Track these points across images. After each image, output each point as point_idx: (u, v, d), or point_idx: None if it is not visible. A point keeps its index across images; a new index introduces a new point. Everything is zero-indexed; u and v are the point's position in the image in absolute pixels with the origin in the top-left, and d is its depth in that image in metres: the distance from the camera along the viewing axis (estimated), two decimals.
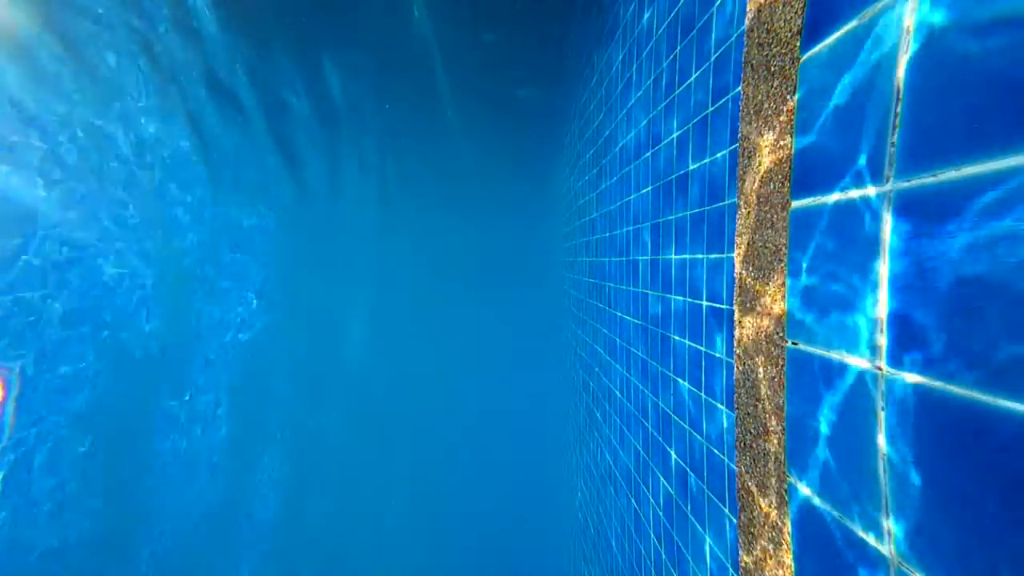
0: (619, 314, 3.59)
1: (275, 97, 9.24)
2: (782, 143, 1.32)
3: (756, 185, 1.46)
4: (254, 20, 7.37)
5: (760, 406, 1.43)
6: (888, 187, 0.93)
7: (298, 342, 13.14)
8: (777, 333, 1.33)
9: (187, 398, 8.73)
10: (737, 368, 1.60)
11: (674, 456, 2.37)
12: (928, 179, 0.84)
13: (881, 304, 0.95)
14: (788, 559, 1.26)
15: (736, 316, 1.60)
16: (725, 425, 1.76)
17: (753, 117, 1.49)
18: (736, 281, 1.60)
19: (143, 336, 7.49)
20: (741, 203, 1.57)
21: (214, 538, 9.52)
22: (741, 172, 1.57)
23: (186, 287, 8.66)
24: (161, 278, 7.86)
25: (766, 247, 1.40)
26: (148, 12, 6.27)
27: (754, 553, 1.46)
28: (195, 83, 7.74)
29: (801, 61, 1.23)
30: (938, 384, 0.82)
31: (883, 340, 0.94)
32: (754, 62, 1.48)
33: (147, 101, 7.11)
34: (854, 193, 1.03)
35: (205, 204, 9.06)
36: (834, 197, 1.09)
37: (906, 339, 0.89)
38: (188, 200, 8.54)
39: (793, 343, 1.25)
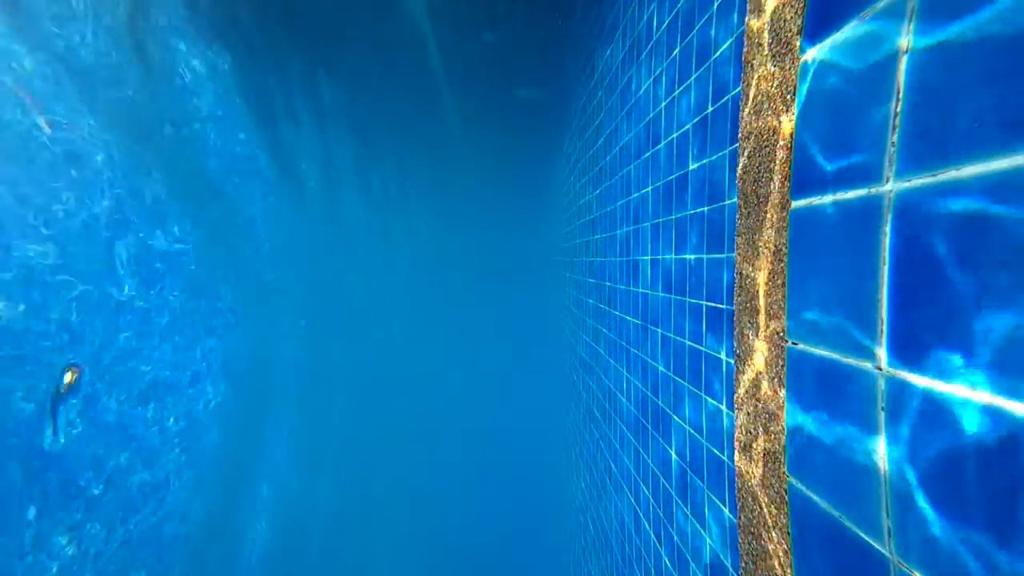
0: (619, 314, 3.59)
1: (271, 98, 9.24)
2: (782, 143, 1.32)
3: (756, 185, 1.46)
4: (253, 19, 7.38)
5: (760, 406, 1.43)
6: (888, 187, 0.93)
7: (296, 343, 13.14)
8: (777, 333, 1.33)
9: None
10: (737, 368, 1.60)
11: (674, 456, 2.37)
12: (928, 179, 0.84)
13: (881, 305, 0.95)
14: (788, 559, 1.26)
15: (736, 316, 1.60)
16: (725, 425, 1.76)
17: (753, 117, 1.49)
18: (736, 281, 1.60)
19: None
20: (741, 203, 1.57)
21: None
22: (741, 172, 1.57)
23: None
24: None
25: (766, 247, 1.40)
26: None
27: (754, 553, 1.46)
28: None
29: (801, 61, 1.23)
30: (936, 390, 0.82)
31: (882, 341, 0.94)
32: (754, 62, 1.48)
33: None
34: (854, 193, 1.03)
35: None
36: (834, 197, 1.09)
37: (906, 342, 0.89)
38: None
39: (793, 343, 1.25)
